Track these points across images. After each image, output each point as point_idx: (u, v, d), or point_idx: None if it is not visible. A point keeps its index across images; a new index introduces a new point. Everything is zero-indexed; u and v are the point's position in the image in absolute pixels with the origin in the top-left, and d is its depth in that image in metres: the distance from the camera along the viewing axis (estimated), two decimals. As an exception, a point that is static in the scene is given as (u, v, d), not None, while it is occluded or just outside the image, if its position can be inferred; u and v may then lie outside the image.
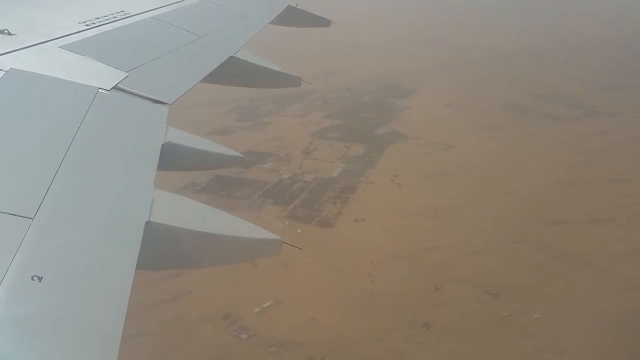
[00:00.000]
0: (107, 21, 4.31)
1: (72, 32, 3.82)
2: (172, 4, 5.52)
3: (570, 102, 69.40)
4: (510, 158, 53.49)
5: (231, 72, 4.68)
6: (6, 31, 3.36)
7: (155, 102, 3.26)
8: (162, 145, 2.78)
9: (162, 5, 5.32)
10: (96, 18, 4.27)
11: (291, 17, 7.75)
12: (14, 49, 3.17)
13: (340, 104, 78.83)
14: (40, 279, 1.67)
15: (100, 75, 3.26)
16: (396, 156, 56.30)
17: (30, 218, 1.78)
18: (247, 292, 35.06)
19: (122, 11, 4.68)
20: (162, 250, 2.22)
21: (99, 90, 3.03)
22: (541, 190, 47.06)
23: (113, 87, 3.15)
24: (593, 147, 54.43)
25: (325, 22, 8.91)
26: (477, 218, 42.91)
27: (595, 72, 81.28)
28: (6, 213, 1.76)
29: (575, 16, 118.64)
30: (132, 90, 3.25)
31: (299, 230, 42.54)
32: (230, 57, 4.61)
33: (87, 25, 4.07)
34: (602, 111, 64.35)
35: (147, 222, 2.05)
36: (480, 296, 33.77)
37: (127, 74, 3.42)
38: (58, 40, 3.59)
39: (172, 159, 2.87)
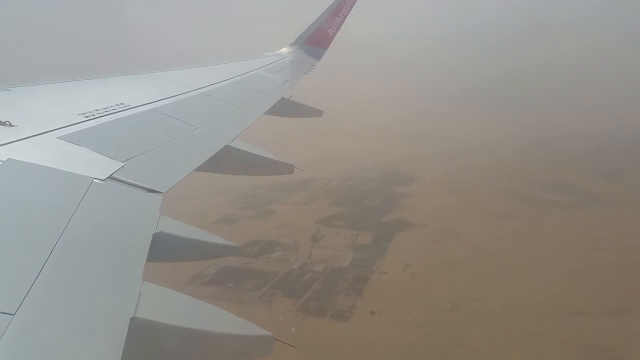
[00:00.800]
0: (107, 113, 4.40)
1: (71, 123, 3.89)
2: (172, 97, 5.70)
3: (571, 190, 70.82)
4: (520, 247, 53.35)
5: (226, 161, 4.75)
6: (7, 123, 3.44)
7: (149, 191, 3.25)
8: (154, 235, 2.76)
9: (162, 98, 5.49)
10: (96, 110, 4.37)
11: (284, 108, 7.99)
12: (13, 140, 3.22)
13: (343, 191, 79.82)
14: None
15: (96, 166, 3.29)
16: (405, 245, 55.98)
17: (11, 314, 1.75)
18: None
19: (122, 103, 4.80)
20: (147, 348, 2.16)
21: (94, 180, 3.06)
22: (555, 279, 46.42)
23: (108, 177, 3.17)
24: (602, 235, 54.62)
25: (317, 113, 9.21)
26: (495, 310, 41.86)
27: (590, 160, 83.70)
28: None
29: (564, 105, 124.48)
30: (127, 180, 3.26)
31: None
32: (225, 146, 4.71)
33: (87, 116, 4.14)
34: (605, 199, 65.46)
35: (133, 318, 2.02)
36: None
37: (123, 164, 3.45)
38: (57, 131, 3.65)
39: (164, 249, 2.84)
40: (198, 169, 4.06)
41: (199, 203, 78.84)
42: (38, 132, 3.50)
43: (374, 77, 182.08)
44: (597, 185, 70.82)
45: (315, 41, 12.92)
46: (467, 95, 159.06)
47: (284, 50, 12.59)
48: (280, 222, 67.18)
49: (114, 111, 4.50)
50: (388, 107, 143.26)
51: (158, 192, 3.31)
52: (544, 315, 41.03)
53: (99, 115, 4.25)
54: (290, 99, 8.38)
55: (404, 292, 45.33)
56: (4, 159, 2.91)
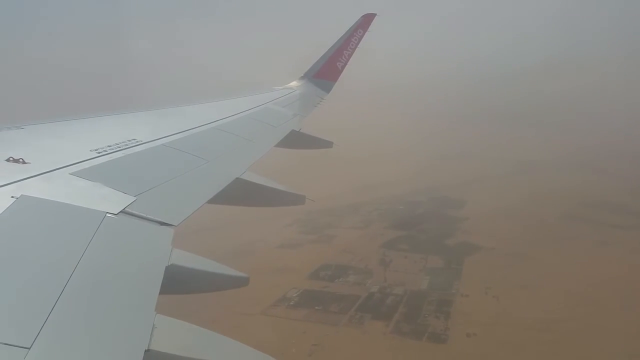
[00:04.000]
0: (119, 149, 4.44)
1: (84, 159, 3.93)
2: (183, 131, 5.74)
3: (626, 210, 71.86)
4: (593, 267, 54.27)
5: (237, 193, 4.75)
6: (21, 160, 3.52)
7: (161, 225, 3.29)
8: (167, 267, 2.81)
9: (173, 133, 5.53)
10: (108, 146, 4.42)
11: (295, 140, 8.08)
12: (27, 177, 3.28)
13: (397, 215, 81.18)
14: None
15: (108, 200, 3.34)
16: (478, 268, 57.08)
17: (27, 348, 1.79)
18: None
19: (134, 139, 4.84)
20: None
21: (107, 215, 3.11)
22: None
23: (121, 211, 3.22)
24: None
25: (327, 144, 9.25)
26: (590, 330, 42.69)
27: (635, 180, 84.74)
28: (1, 343, 1.77)
29: (599, 126, 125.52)
30: (139, 214, 3.29)
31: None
32: (237, 178, 4.78)
33: (99, 152, 4.19)
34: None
35: (147, 351, 2.06)
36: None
37: (135, 198, 3.48)
38: (70, 167, 3.70)
39: (177, 281, 2.89)
40: (210, 202, 4.08)
41: (254, 230, 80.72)
42: (51, 169, 3.56)
43: (386, 103, 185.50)
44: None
45: (324, 74, 13.03)
46: (488, 117, 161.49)
47: (294, 84, 12.66)
48: (343, 247, 68.49)
49: (126, 147, 4.56)
50: (407, 131, 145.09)
51: (170, 224, 3.33)
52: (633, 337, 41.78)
53: (111, 151, 4.30)
54: (300, 131, 8.44)
55: (493, 314, 46.33)
56: (18, 196, 2.96)
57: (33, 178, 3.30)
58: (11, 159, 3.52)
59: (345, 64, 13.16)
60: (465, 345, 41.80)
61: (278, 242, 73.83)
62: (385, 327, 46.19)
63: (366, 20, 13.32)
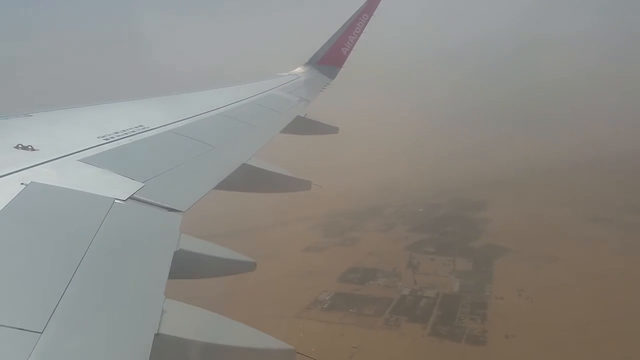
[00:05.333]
0: (126, 135, 4.48)
1: (92, 146, 3.98)
2: (189, 118, 5.78)
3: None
4: (626, 269, 54.49)
5: (243, 179, 4.81)
6: (30, 147, 3.56)
7: (169, 210, 3.33)
8: (175, 252, 2.84)
9: (179, 119, 5.57)
10: (115, 132, 4.46)
11: (300, 126, 8.08)
12: (36, 163, 3.32)
13: (418, 218, 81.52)
14: None
15: (116, 187, 3.37)
16: (508, 270, 57.36)
17: (39, 332, 1.83)
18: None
19: (141, 125, 4.90)
20: None
21: (115, 201, 3.15)
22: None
23: (129, 197, 3.26)
24: None
25: (333, 130, 9.32)
26: (627, 331, 43.00)
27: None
28: (14, 328, 1.82)
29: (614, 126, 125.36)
30: (147, 200, 3.32)
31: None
32: (243, 164, 4.84)
33: (106, 139, 4.24)
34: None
35: (157, 334, 2.10)
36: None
37: (143, 184, 3.52)
38: (78, 154, 3.74)
39: (185, 266, 2.92)
40: (217, 187, 4.12)
41: (278, 232, 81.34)
42: (59, 156, 3.59)
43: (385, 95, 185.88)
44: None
45: (329, 60, 12.86)
46: (485, 115, 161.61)
47: (298, 70, 12.56)
48: (369, 249, 68.88)
49: (133, 133, 4.61)
50: (407, 129, 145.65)
51: (178, 210, 3.37)
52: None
53: (118, 138, 4.34)
54: (305, 117, 8.47)
55: (529, 316, 46.60)
56: (28, 182, 3.00)
57: (42, 165, 3.35)
58: (20, 146, 3.56)
59: (351, 49, 12.96)
60: (505, 347, 42.11)
61: (303, 245, 74.28)
62: (423, 329, 46.55)
63: (372, 4, 13.01)
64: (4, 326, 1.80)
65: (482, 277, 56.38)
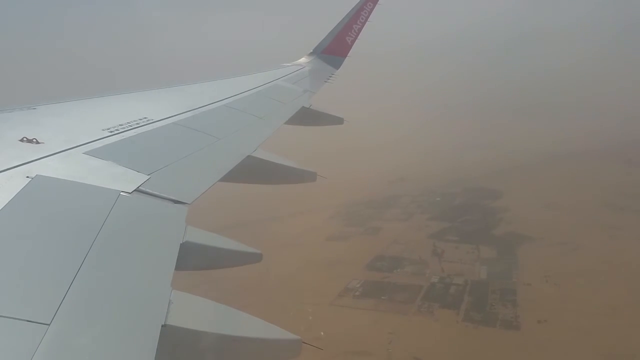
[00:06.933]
0: (130, 127, 4.48)
1: (97, 138, 3.97)
2: (194, 109, 5.77)
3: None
4: (646, 256, 55.91)
5: (249, 170, 4.81)
6: (35, 140, 3.55)
7: (175, 203, 3.33)
8: (181, 244, 2.86)
9: (183, 111, 5.56)
10: (119, 125, 4.44)
11: (305, 117, 8.08)
12: (41, 157, 3.31)
13: (436, 207, 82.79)
14: None
15: (122, 179, 3.37)
16: (533, 257, 58.74)
17: (47, 324, 1.83)
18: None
19: (145, 118, 4.89)
20: (178, 354, 2.24)
21: (121, 194, 3.15)
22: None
23: (135, 190, 3.26)
24: None
25: (338, 121, 9.25)
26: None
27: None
28: (22, 320, 1.82)
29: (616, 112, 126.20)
30: (153, 192, 3.32)
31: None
32: (248, 156, 4.84)
33: (111, 132, 4.23)
34: None
35: (164, 325, 2.11)
36: None
37: (148, 176, 3.52)
38: (83, 146, 3.73)
39: (192, 257, 2.94)
40: (222, 179, 4.14)
41: (295, 223, 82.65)
42: (64, 148, 3.60)
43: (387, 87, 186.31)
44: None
45: (334, 50, 12.72)
46: (493, 103, 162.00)
47: (303, 60, 12.49)
48: (392, 238, 70.18)
49: (138, 125, 4.61)
50: (413, 118, 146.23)
51: (184, 203, 3.37)
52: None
53: (123, 130, 4.35)
54: (310, 107, 8.44)
55: (559, 301, 48.06)
56: (33, 175, 2.99)
57: (47, 158, 3.35)
58: (25, 139, 3.57)
59: (355, 38, 12.85)
60: (538, 332, 43.58)
61: (325, 235, 75.62)
62: (456, 315, 48.03)
63: None
64: (13, 318, 1.83)
65: (508, 264, 57.78)
